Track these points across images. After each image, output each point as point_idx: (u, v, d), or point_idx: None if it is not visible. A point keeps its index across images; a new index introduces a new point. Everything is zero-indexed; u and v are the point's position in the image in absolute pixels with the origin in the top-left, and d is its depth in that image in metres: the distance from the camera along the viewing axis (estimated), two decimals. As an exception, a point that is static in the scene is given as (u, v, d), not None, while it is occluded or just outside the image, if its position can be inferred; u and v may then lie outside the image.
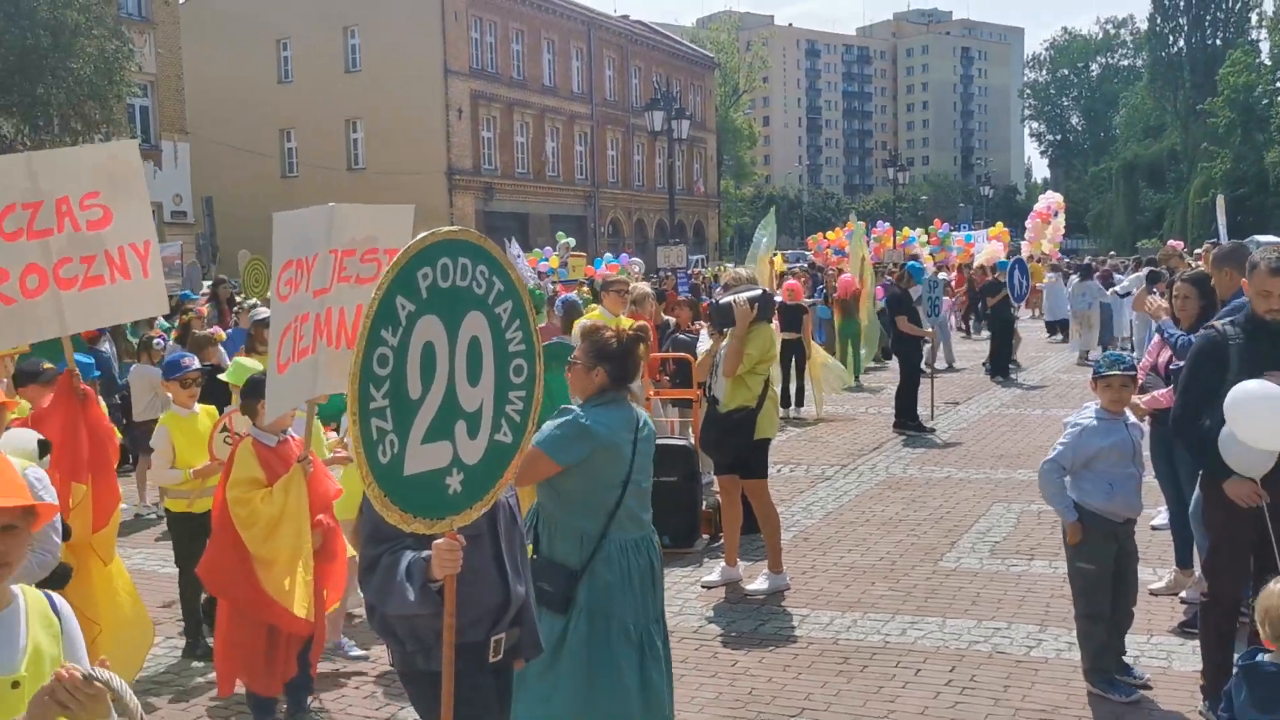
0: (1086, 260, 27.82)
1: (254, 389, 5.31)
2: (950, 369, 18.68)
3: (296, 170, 46.40)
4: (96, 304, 4.52)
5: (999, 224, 29.81)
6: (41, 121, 21.29)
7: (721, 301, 7.32)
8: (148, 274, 4.38)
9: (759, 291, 7.43)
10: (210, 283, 17.70)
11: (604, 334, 4.28)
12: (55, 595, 2.57)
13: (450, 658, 3.20)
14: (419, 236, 2.96)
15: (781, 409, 12.33)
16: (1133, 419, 5.51)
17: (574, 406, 4.23)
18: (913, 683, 5.59)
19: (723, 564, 7.48)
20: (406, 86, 42.91)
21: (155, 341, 10.20)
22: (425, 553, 3.19)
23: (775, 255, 18.29)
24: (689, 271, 27.71)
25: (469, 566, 3.15)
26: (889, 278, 18.34)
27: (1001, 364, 17.56)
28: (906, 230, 34.20)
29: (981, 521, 8.71)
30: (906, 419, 12.80)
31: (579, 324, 9.79)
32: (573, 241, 24.95)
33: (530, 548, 4.07)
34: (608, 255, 27.07)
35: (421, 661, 3.42)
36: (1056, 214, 28.54)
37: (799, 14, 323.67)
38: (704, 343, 8.72)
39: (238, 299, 15.61)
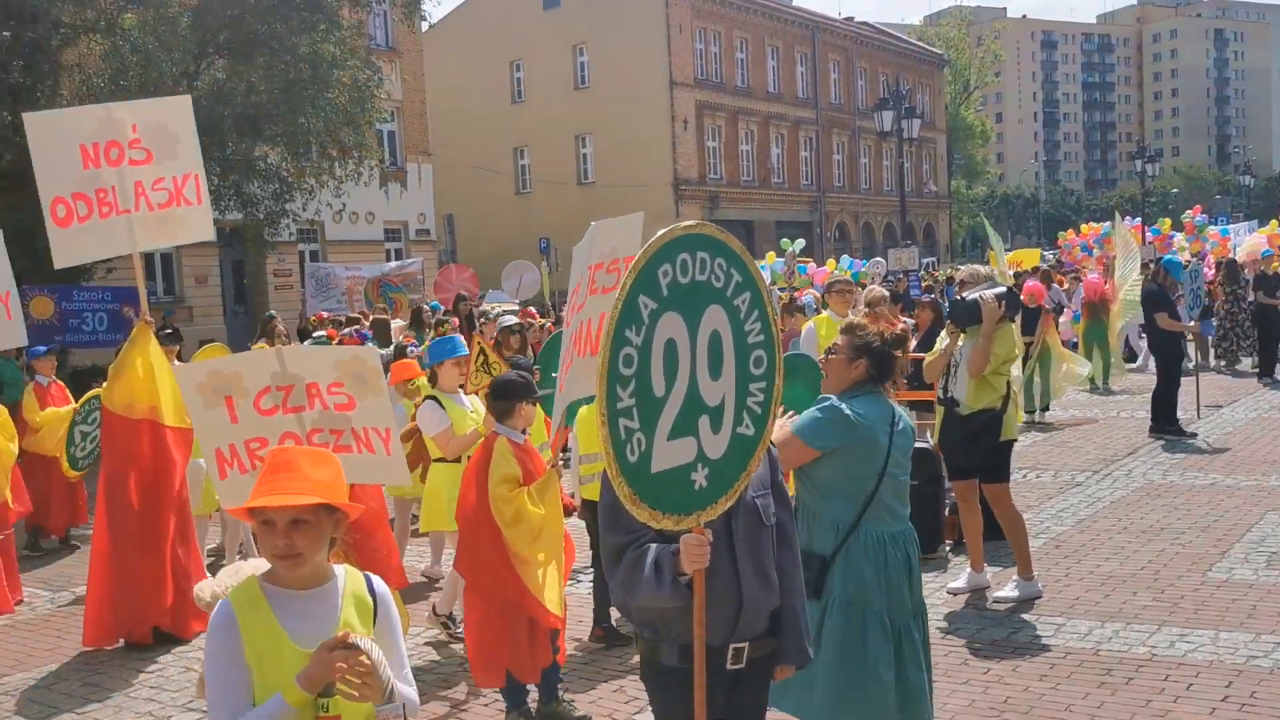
0: None
1: (501, 390, 5.51)
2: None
3: (530, 186, 48.12)
4: (345, 467, 4.86)
5: (1274, 222, 26.63)
6: (302, 149, 22.77)
7: (967, 299, 7.07)
8: (390, 453, 4.66)
9: (1005, 289, 7.16)
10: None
11: (868, 330, 4.30)
12: (374, 577, 2.77)
13: (701, 652, 3.21)
14: (659, 233, 2.97)
15: (1024, 413, 11.84)
16: None
17: (829, 396, 4.23)
18: (1184, 697, 5.24)
19: (969, 570, 7.24)
20: (633, 100, 43.81)
21: (409, 349, 10.81)
22: (672, 546, 3.21)
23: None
24: (920, 274, 27.00)
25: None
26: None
27: (1269, 363, 16.25)
28: (1168, 222, 31.51)
29: (1255, 530, 8.08)
30: (1165, 422, 12.01)
31: (806, 324, 9.74)
32: (801, 243, 24.70)
33: None
34: (845, 260, 26.63)
35: (660, 654, 3.45)
36: None
37: (1034, 5, 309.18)
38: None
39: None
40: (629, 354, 2.88)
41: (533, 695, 5.48)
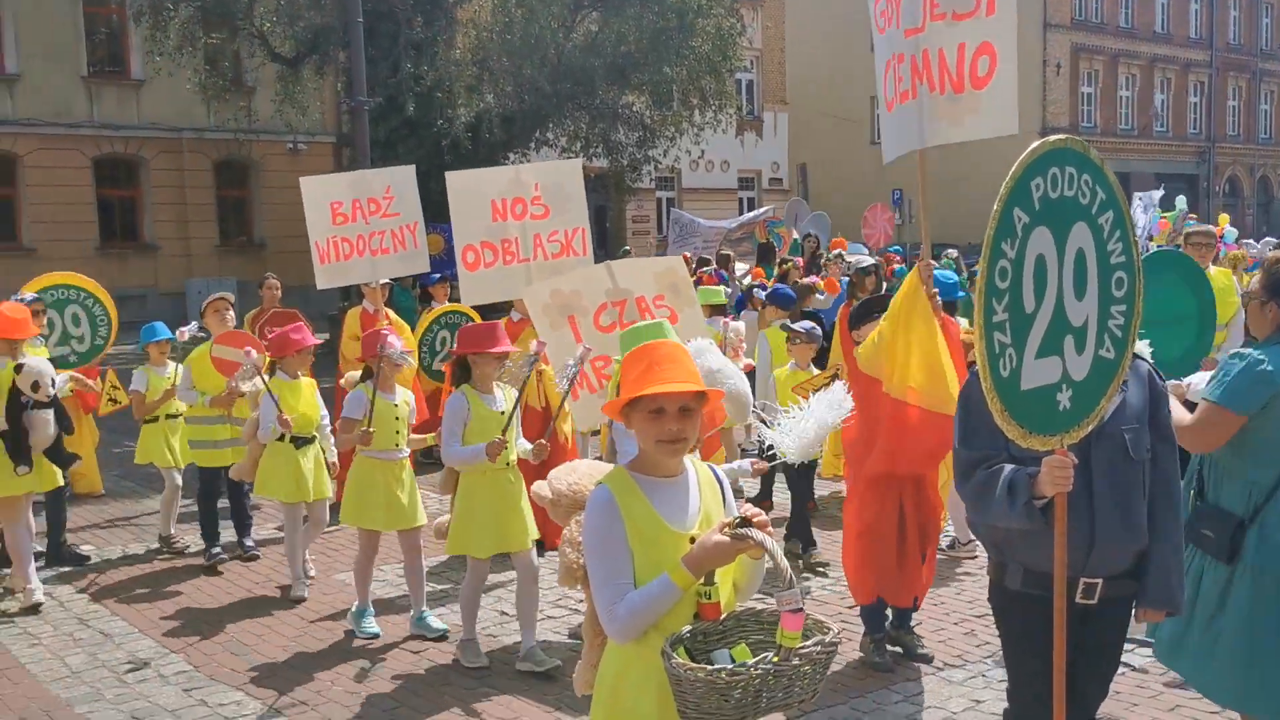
0: None
1: (863, 312, 5.49)
2: None
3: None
4: None
5: None
6: (665, 97, 23.48)
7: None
8: None
9: None
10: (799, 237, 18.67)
11: None
12: (716, 466, 2.89)
13: (1062, 577, 3.13)
14: (1032, 146, 2.99)
15: None
16: None
17: (1247, 350, 3.79)
18: None
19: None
20: (1001, 44, 41.69)
21: (755, 290, 11.09)
22: (1029, 469, 3.15)
23: None
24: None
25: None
26: None
27: None
28: None
29: None
30: None
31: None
32: (1182, 201, 22.67)
33: (1192, 494, 3.78)
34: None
35: (1005, 576, 3.40)
36: None
37: None
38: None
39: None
40: (1004, 267, 2.90)
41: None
